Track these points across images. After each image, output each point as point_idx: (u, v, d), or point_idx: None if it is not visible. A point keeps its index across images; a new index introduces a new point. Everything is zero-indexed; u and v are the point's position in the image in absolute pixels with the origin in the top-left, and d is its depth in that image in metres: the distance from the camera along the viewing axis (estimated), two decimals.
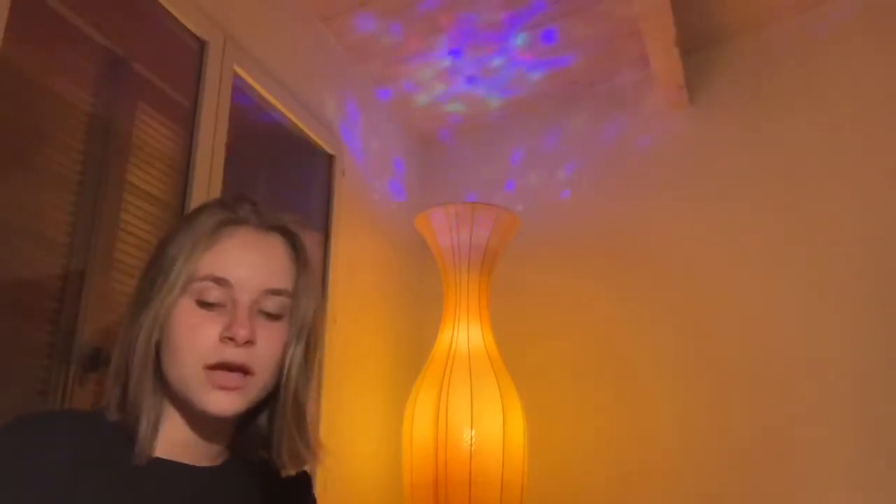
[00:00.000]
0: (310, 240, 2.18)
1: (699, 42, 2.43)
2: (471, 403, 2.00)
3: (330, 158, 2.28)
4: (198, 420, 0.84)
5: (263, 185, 2.11)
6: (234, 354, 0.80)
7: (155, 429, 0.81)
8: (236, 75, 1.89)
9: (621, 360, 2.33)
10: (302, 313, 0.87)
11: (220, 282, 0.82)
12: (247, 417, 0.88)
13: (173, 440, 0.84)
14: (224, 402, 0.80)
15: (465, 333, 2.12)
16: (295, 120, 2.12)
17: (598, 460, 2.28)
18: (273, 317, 0.84)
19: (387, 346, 2.49)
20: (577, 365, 2.39)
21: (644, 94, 2.55)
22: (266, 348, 0.83)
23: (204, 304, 0.82)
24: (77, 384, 1.37)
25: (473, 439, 1.98)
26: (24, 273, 1.33)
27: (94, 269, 1.44)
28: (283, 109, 2.08)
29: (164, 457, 0.83)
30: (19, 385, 1.29)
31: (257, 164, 2.08)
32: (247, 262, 0.84)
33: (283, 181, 2.17)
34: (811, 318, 2.11)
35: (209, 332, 0.81)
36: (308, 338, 0.88)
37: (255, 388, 0.83)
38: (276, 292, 0.84)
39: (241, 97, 1.93)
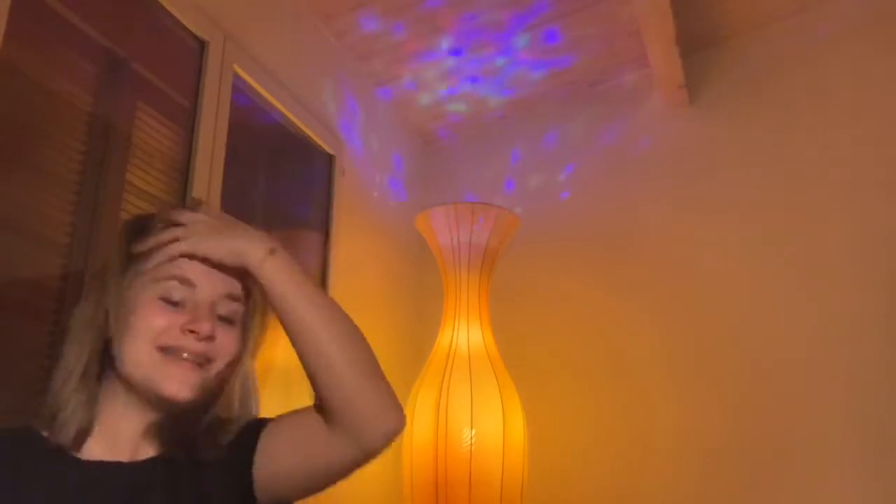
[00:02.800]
0: (310, 240, 2.19)
1: (699, 42, 2.43)
2: (471, 403, 2.00)
3: (330, 158, 2.28)
4: (146, 413, 0.87)
5: (263, 185, 2.11)
6: (194, 345, 0.86)
7: (87, 420, 0.84)
8: (236, 75, 1.89)
9: (621, 360, 2.33)
10: (254, 332, 0.94)
11: (185, 282, 0.88)
12: (194, 415, 0.90)
13: (114, 437, 0.86)
14: (179, 383, 0.84)
15: (465, 333, 2.12)
16: (295, 120, 2.12)
17: (598, 460, 2.28)
18: (228, 321, 0.90)
19: (387, 346, 2.48)
20: (577, 365, 2.39)
21: (644, 94, 2.55)
22: (224, 345, 0.89)
23: (167, 301, 0.87)
24: None
25: (473, 439, 1.98)
26: (24, 273, 1.33)
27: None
28: (283, 109, 2.08)
29: (102, 458, 0.85)
30: (19, 385, 1.29)
31: (257, 164, 2.08)
32: (206, 273, 0.90)
33: (283, 181, 2.17)
34: (811, 318, 2.11)
35: (169, 321, 0.85)
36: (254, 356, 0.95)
37: (209, 375, 0.87)
38: (232, 297, 0.91)
39: (241, 97, 1.93)
